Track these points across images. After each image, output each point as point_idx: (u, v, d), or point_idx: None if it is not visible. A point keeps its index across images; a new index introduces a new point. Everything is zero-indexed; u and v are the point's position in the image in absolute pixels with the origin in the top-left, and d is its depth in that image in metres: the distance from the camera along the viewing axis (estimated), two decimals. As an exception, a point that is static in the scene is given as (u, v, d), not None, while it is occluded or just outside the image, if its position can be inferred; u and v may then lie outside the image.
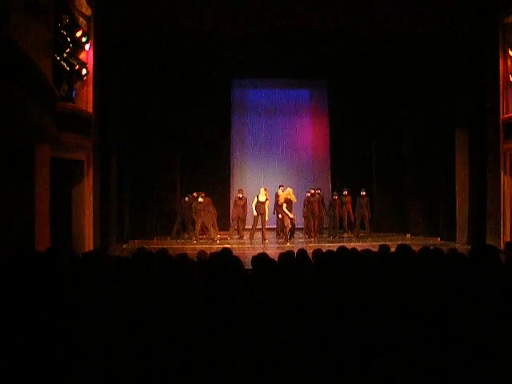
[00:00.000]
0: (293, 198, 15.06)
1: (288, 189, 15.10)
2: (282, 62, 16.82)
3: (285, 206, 14.68)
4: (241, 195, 15.90)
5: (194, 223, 15.37)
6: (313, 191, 15.97)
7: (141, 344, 2.99)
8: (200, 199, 14.98)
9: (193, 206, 15.36)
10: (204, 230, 15.53)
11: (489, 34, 12.89)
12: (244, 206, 15.85)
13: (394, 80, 16.79)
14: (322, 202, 16.22)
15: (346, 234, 16.26)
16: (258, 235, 15.43)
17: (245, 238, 15.75)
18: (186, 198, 15.76)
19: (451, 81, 14.15)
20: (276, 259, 4.99)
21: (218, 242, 14.59)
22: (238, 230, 16.05)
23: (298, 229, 16.29)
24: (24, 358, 2.82)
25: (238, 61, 16.46)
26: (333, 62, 16.87)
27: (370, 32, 12.81)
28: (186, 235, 15.99)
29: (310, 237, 15.59)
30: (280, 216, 15.07)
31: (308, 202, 15.76)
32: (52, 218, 9.86)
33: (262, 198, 15.27)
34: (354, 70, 17.08)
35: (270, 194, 15.72)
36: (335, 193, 16.42)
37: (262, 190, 15.48)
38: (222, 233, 16.02)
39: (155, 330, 3.11)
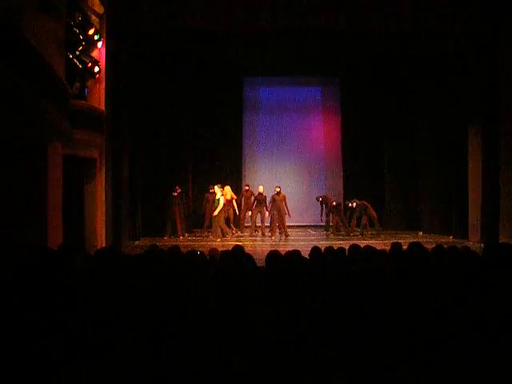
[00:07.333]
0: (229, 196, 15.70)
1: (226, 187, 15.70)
2: (294, 60, 16.81)
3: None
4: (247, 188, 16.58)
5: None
6: (278, 189, 15.57)
7: (153, 340, 3.00)
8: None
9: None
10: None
11: (502, 32, 12.76)
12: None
13: (407, 78, 16.74)
14: None
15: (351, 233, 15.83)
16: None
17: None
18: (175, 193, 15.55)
19: (464, 79, 14.02)
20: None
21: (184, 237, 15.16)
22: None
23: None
24: (36, 354, 2.84)
25: (249, 59, 16.47)
26: (345, 60, 16.90)
27: (383, 31, 12.75)
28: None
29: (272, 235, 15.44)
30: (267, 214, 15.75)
31: (273, 200, 15.53)
32: (64, 215, 9.91)
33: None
34: (367, 68, 17.05)
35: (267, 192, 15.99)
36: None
37: (261, 187, 15.98)
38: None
39: (168, 327, 3.12)
